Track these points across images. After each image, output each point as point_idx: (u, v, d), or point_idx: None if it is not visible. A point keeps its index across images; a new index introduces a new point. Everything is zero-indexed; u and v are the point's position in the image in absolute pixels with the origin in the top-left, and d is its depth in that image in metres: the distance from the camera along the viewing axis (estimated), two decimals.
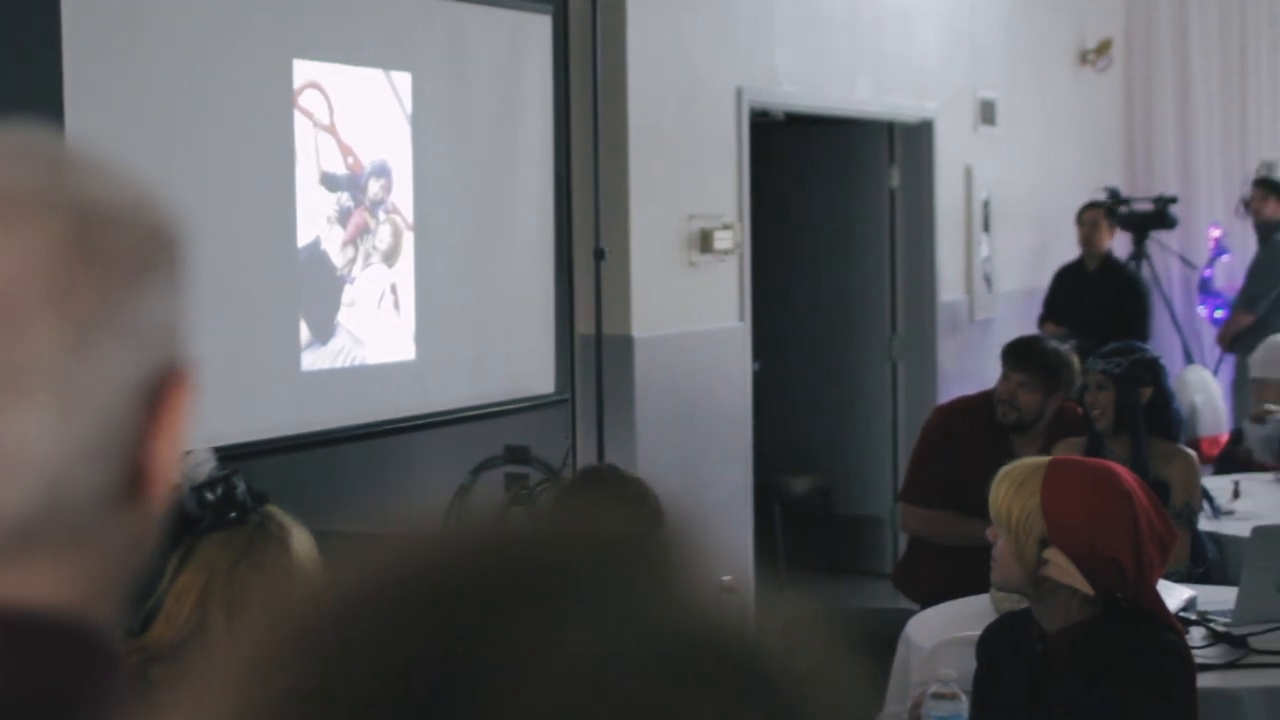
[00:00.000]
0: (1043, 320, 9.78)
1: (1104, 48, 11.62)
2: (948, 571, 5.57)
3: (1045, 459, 3.59)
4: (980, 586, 4.51)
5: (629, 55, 7.15)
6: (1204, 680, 3.93)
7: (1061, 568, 3.43)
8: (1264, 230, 10.68)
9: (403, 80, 6.08)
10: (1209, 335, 11.55)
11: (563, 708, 0.61)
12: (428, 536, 0.69)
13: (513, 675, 0.62)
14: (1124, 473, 3.56)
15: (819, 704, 0.67)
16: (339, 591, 0.67)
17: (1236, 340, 10.51)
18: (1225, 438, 9.08)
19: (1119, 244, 11.32)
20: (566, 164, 6.86)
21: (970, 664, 3.76)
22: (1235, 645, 4.24)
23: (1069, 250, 10.76)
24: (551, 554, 0.68)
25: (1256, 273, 10.64)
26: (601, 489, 3.62)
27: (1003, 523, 3.51)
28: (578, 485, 3.68)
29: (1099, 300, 9.50)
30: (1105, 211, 9.89)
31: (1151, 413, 5.59)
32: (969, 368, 9.30)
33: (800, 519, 9.64)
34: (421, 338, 6.24)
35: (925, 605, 5.16)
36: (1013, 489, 3.51)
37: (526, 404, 6.77)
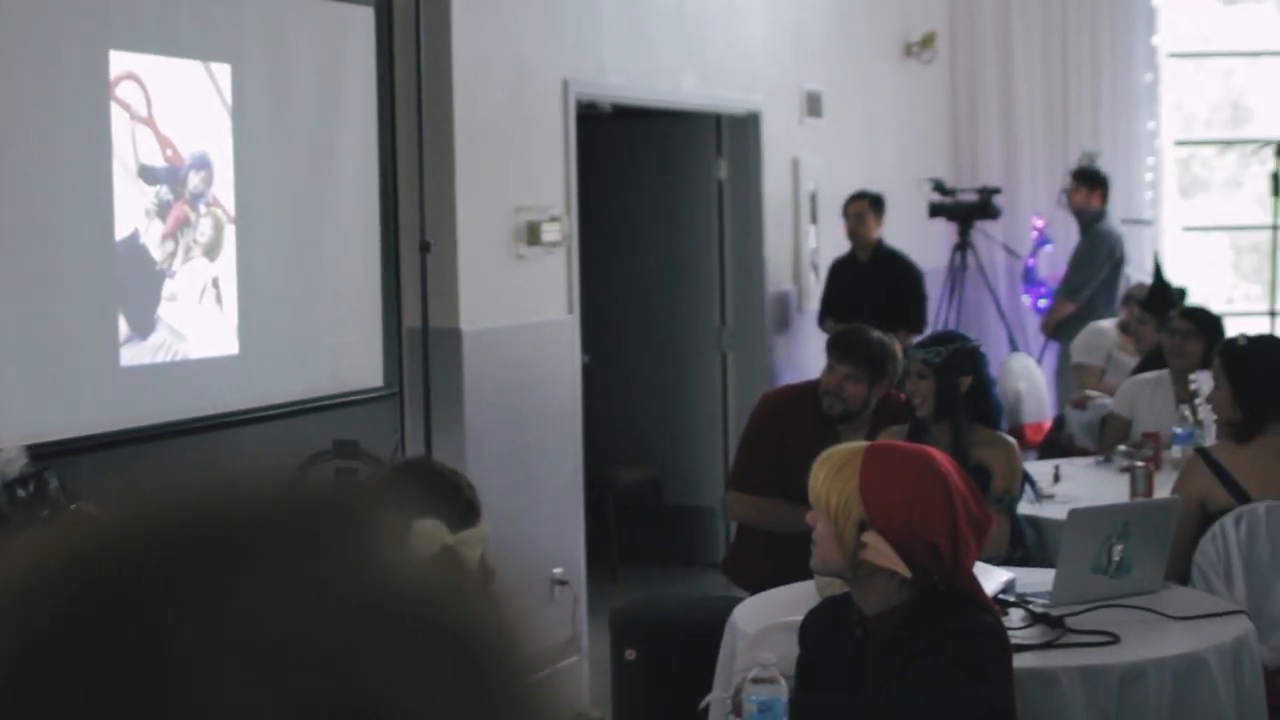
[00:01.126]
0: (823, 317, 9.66)
1: (928, 41, 11.76)
2: (776, 559, 5.59)
3: (864, 444, 3.63)
4: (809, 573, 4.54)
5: (454, 47, 7.11)
6: (1022, 660, 4.00)
7: (879, 551, 3.46)
8: (1085, 220, 10.87)
9: (222, 72, 6.00)
10: (1033, 323, 11.74)
11: (243, 670, 0.61)
12: (120, 508, 0.68)
13: (193, 640, 0.61)
14: (940, 457, 3.60)
15: (519, 673, 0.67)
16: (17, 572, 0.65)
17: (1060, 328, 10.69)
18: (1049, 424, 9.24)
19: (945, 234, 11.49)
20: (392, 156, 6.81)
21: (794, 649, 3.78)
22: (1053, 626, 4.31)
23: (894, 241, 10.87)
24: (242, 519, 0.67)
25: (1078, 262, 10.82)
26: (416, 481, 3.59)
27: (822, 507, 3.53)
28: (392, 479, 3.65)
29: (875, 291, 9.35)
30: (870, 202, 9.73)
31: (972, 400, 5.66)
32: (798, 358, 9.39)
33: (632, 510, 9.67)
34: (245, 331, 6.17)
35: (754, 592, 5.19)
36: (832, 474, 3.54)
37: (354, 398, 6.71)
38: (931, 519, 3.47)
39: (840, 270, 9.76)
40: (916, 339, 8.90)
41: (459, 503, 3.48)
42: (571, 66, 7.89)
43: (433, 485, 3.54)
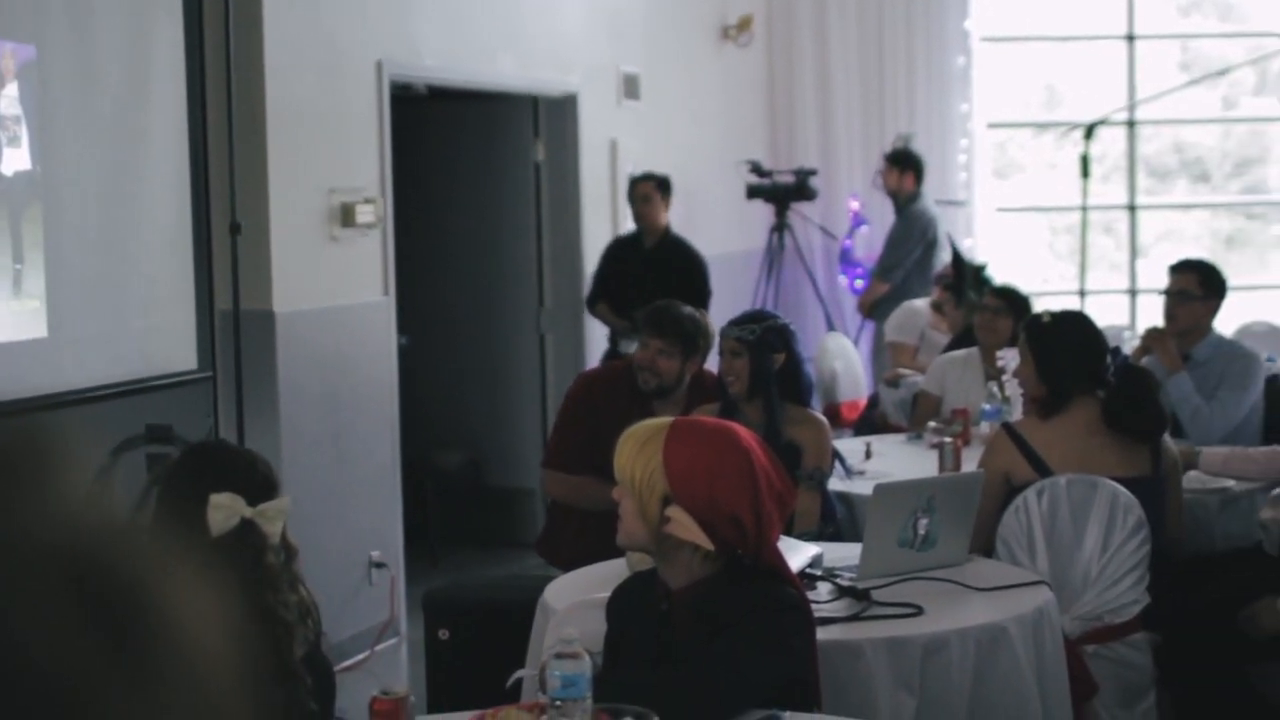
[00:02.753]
0: (594, 301, 9.41)
1: (745, 23, 11.84)
2: (591, 537, 5.61)
3: (668, 419, 3.65)
4: (623, 551, 4.57)
5: (265, 28, 7.05)
6: (828, 633, 4.06)
7: (683, 525, 3.49)
8: (899, 201, 11.01)
9: (26, 52, 5.90)
10: (850, 304, 11.88)
11: None
12: None
13: None
14: (743, 432, 3.64)
15: (164, 624, 0.67)
16: None
17: (875, 308, 10.83)
18: (864, 402, 9.36)
19: (763, 215, 11.58)
20: (202, 138, 6.72)
21: (604, 625, 3.81)
22: (859, 599, 4.37)
23: (712, 223, 10.97)
24: None
25: (893, 243, 10.97)
26: (211, 458, 3.57)
27: (627, 482, 3.55)
28: (183, 460, 3.61)
29: (660, 278, 9.08)
30: (657, 184, 9.46)
31: (784, 379, 5.72)
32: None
33: (451, 493, 9.66)
34: (54, 315, 6.06)
35: (569, 571, 5.21)
36: (636, 449, 3.56)
37: (167, 381, 6.63)
38: (734, 493, 3.50)
39: (622, 254, 9.45)
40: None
41: (255, 477, 3.46)
42: (385, 48, 7.85)
43: (228, 461, 3.52)
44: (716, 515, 3.49)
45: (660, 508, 3.51)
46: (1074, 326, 5.56)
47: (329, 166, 7.45)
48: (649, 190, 9.39)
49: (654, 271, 9.20)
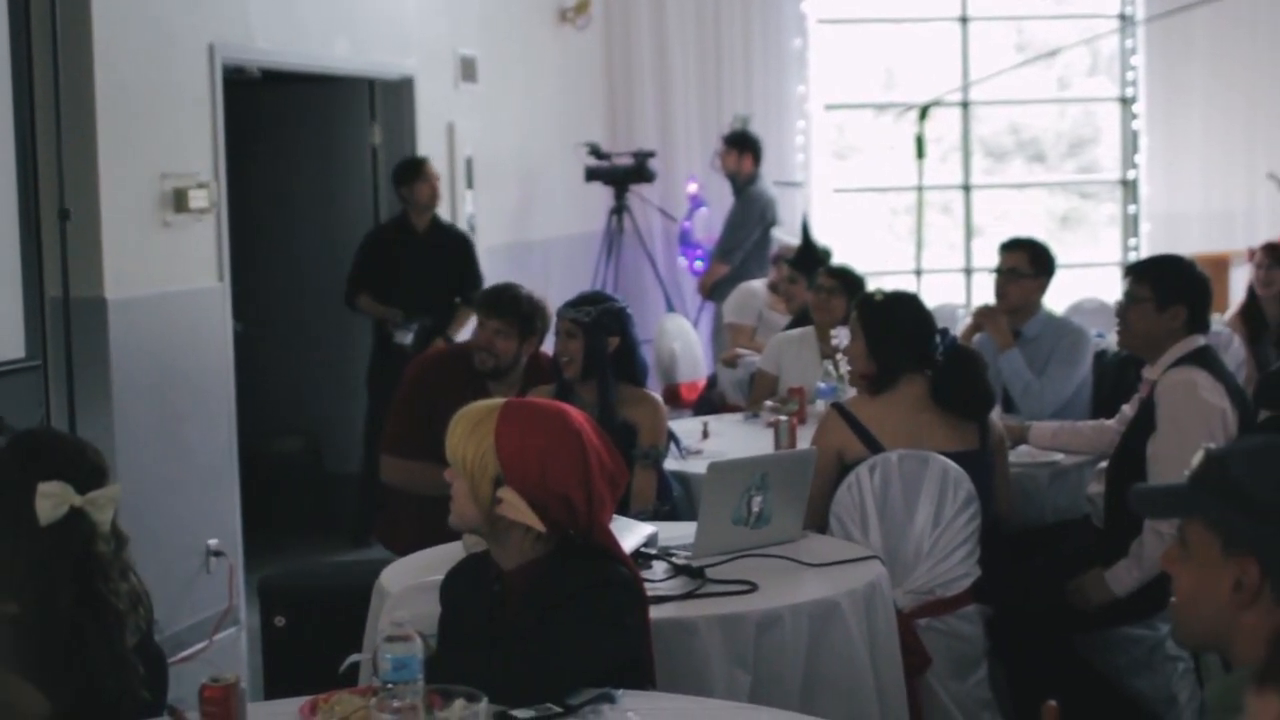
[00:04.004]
0: (354, 294, 9.11)
1: (583, 6, 11.85)
2: (429, 522, 5.58)
3: (500, 400, 3.65)
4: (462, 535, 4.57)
5: (93, 9, 6.94)
6: (662, 611, 4.09)
7: (514, 506, 3.49)
8: (738, 183, 11.08)
9: None
10: (689, 285, 11.95)
11: None
12: None
13: None
14: (575, 413, 3.64)
15: None
16: None
17: (715, 289, 10.89)
18: (703, 382, 9.41)
19: (601, 198, 11.60)
20: (30, 122, 6.60)
21: (438, 608, 3.81)
22: (693, 577, 4.40)
23: (550, 206, 10.98)
24: None
25: (732, 224, 11.04)
26: (38, 447, 3.53)
27: (459, 463, 3.55)
28: (10, 449, 3.57)
29: (435, 263, 9.05)
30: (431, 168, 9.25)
31: (619, 360, 5.75)
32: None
33: (290, 479, 9.59)
34: None
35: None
36: (468, 430, 3.56)
37: None
38: (565, 474, 3.51)
39: (389, 241, 9.16)
40: (469, 313, 8.98)
41: (84, 465, 3.44)
42: (217, 31, 7.76)
43: (56, 449, 3.49)
44: (548, 496, 3.50)
45: (492, 489, 3.51)
46: (904, 306, 5.64)
47: (161, 151, 7.35)
48: (428, 170, 9.15)
49: (430, 256, 9.07)
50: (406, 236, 9.10)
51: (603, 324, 5.73)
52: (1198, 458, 2.62)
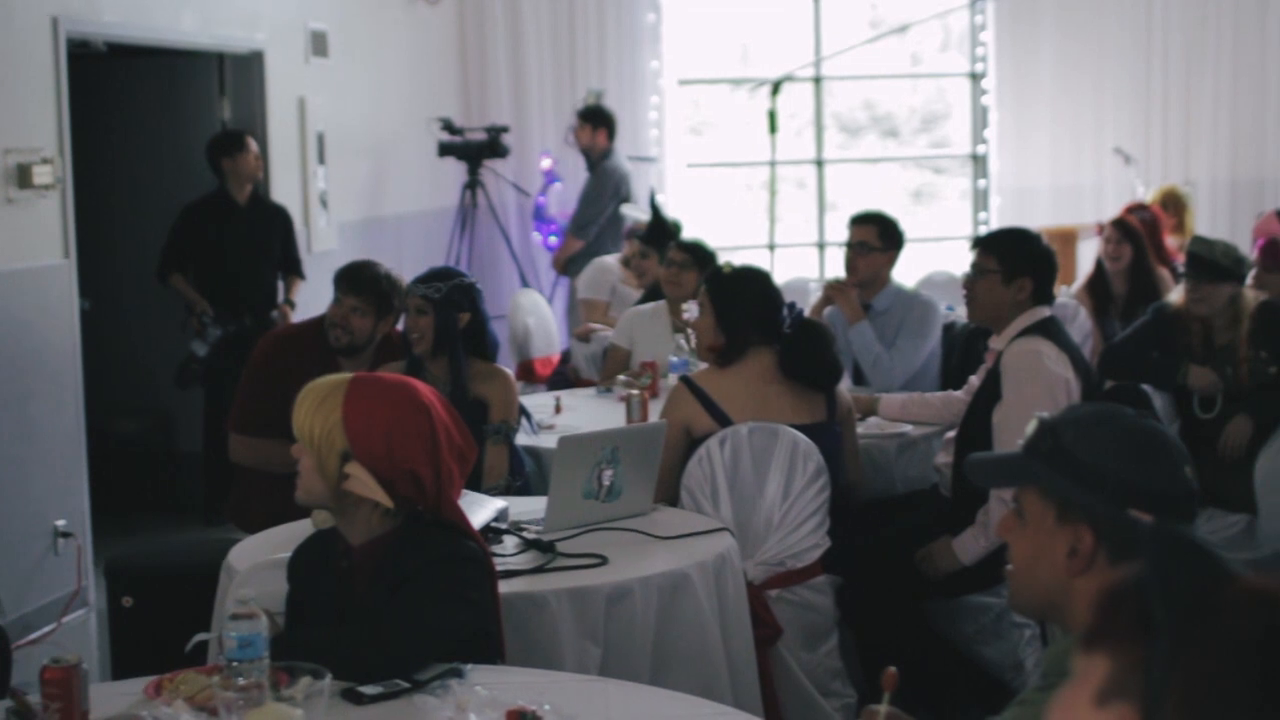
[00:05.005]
0: (167, 271, 8.90)
1: None
2: (281, 500, 5.55)
3: (347, 375, 3.63)
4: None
5: None
6: (512, 585, 4.09)
7: (362, 481, 3.48)
8: (592, 158, 11.08)
9: None
10: (544, 260, 11.94)
11: None
12: None
13: None
14: (423, 388, 3.64)
15: None
16: None
17: (570, 264, 10.89)
18: (557, 357, 9.41)
19: (455, 173, 11.55)
20: None
21: (286, 585, 3.79)
22: (544, 551, 4.41)
23: (404, 181, 10.92)
24: None
25: (586, 199, 11.03)
26: None
27: (306, 439, 3.53)
28: None
29: (261, 239, 8.97)
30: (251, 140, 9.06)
31: (469, 336, 5.74)
32: (308, 299, 9.27)
33: (140, 459, 9.48)
34: None
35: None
36: (315, 406, 3.54)
37: None
38: (413, 449, 3.50)
39: (208, 215, 8.93)
40: (299, 281, 8.95)
41: None
42: (61, 3, 7.64)
43: None
44: (395, 471, 3.49)
45: (339, 464, 3.50)
46: (753, 280, 5.67)
47: (3, 126, 7.22)
48: (250, 142, 9.01)
49: (252, 230, 8.98)
50: (227, 211, 8.96)
51: (453, 300, 5.71)
52: (1031, 427, 2.67)
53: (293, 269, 9.12)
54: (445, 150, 11.34)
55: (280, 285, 9.16)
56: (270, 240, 9.00)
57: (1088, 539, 2.54)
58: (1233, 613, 1.55)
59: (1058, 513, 2.57)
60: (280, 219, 9.17)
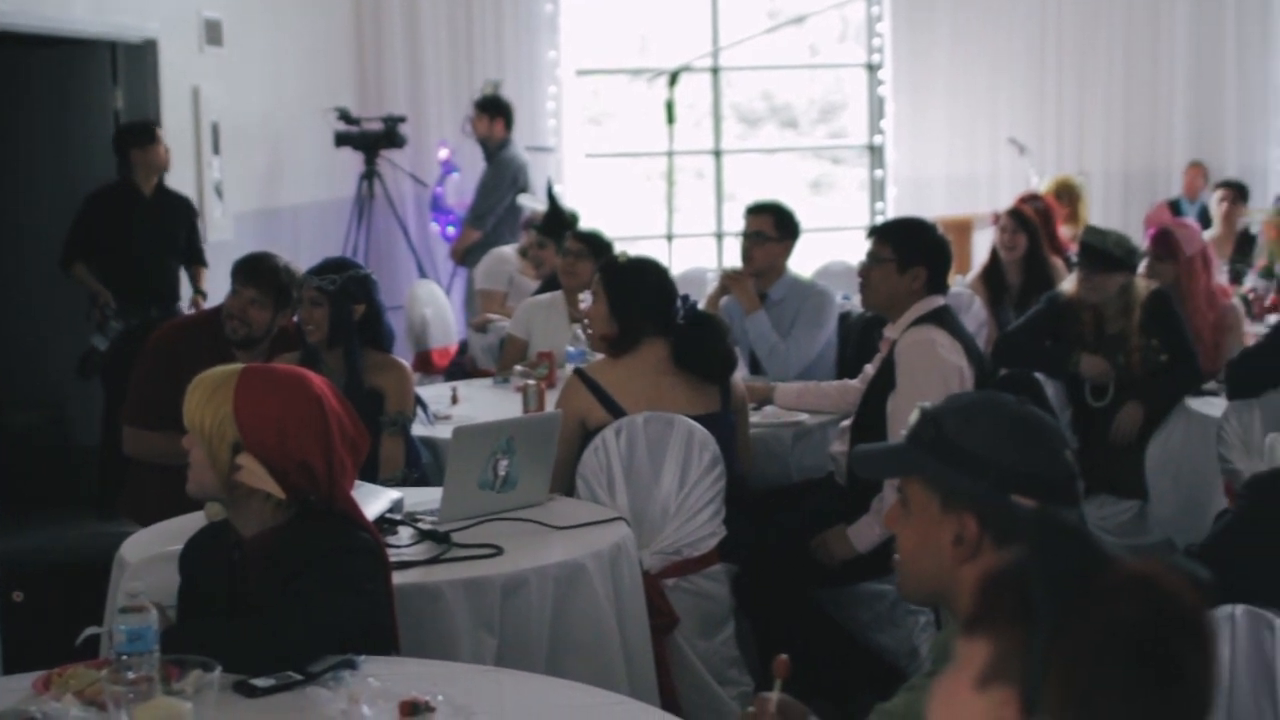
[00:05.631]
0: (71, 260, 8.73)
1: None
2: (176, 492, 5.49)
3: (238, 366, 3.61)
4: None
5: None
6: (407, 576, 4.08)
7: (254, 473, 3.46)
8: (489, 148, 11.06)
9: None
10: (442, 251, 11.89)
11: None
12: None
13: None
14: (315, 379, 3.62)
15: None
16: None
17: (468, 255, 10.86)
18: (455, 348, 9.39)
19: (352, 163, 11.49)
20: None
21: (177, 578, 3.76)
22: (439, 541, 4.39)
23: (300, 172, 10.85)
24: None
25: (484, 189, 11.01)
26: None
27: (197, 431, 3.51)
28: None
29: (167, 230, 8.87)
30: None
31: (365, 326, 5.71)
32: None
33: (35, 452, 9.37)
34: None
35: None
36: (206, 396, 3.52)
37: None
38: (305, 440, 3.49)
39: (113, 205, 8.78)
40: (205, 270, 8.89)
41: None
42: None
43: None
44: (287, 462, 3.47)
45: (230, 456, 3.48)
46: (647, 271, 5.68)
47: None
48: (159, 133, 8.93)
49: (158, 221, 8.89)
50: (133, 201, 8.85)
51: (348, 291, 5.69)
52: (914, 417, 2.69)
53: (196, 259, 9.03)
54: (342, 140, 11.27)
55: (185, 277, 9.06)
56: (176, 231, 8.92)
57: (972, 526, 2.56)
58: (1110, 596, 1.57)
59: (942, 501, 2.59)
60: (185, 210, 9.07)
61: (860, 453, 2.86)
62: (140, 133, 8.87)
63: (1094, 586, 1.57)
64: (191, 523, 4.48)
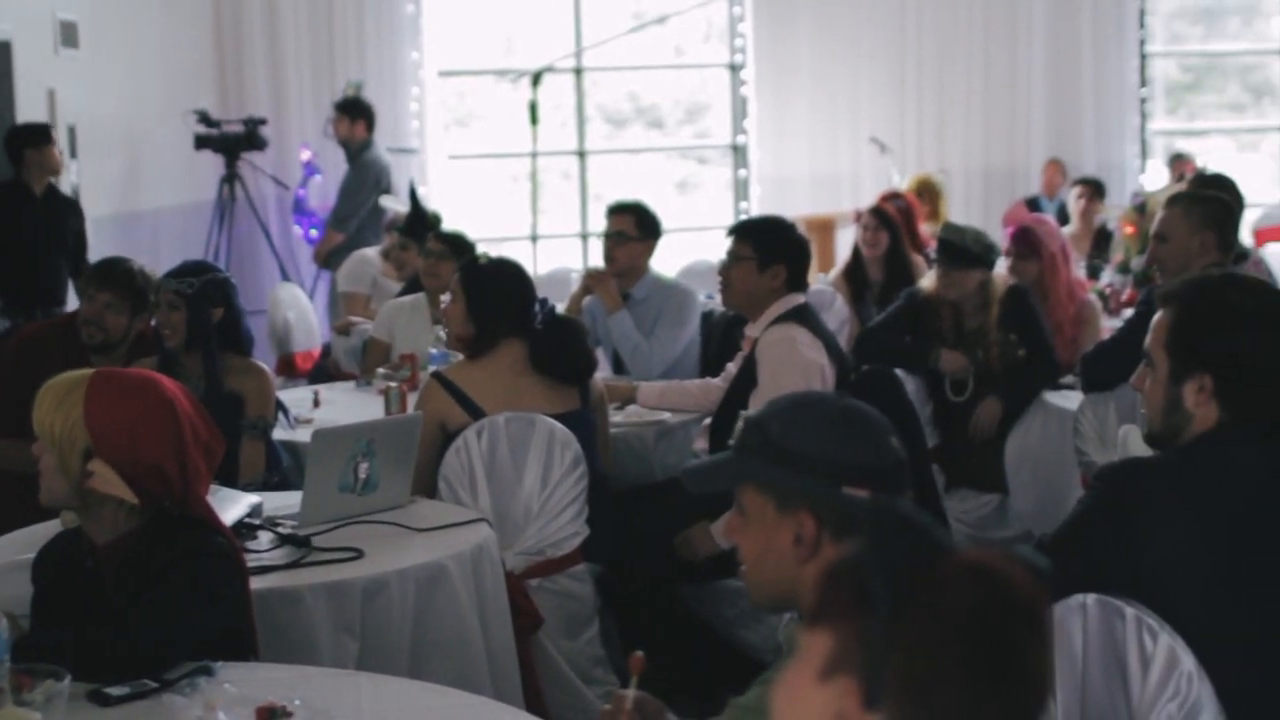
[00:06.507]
0: None
1: None
2: (31, 501, 5.42)
3: (88, 371, 3.56)
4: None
5: None
6: (266, 581, 4.05)
7: (106, 479, 3.42)
8: (351, 150, 11.00)
9: None
10: (305, 254, 11.81)
11: None
12: None
13: None
14: (167, 383, 3.58)
15: None
16: None
17: (331, 257, 10.79)
18: (318, 351, 9.32)
19: (212, 166, 11.38)
20: None
21: (29, 587, 3.71)
22: (299, 545, 4.36)
23: (159, 175, 10.74)
24: None
25: (346, 192, 10.96)
26: None
27: (47, 437, 3.46)
28: None
29: (50, 229, 8.77)
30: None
31: (223, 330, 5.66)
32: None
33: None
34: None
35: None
36: (55, 402, 3.47)
37: None
38: (158, 445, 3.45)
39: (1, 203, 8.80)
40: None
41: None
42: None
43: None
44: (140, 468, 3.43)
45: (81, 462, 3.43)
46: (506, 272, 5.66)
47: None
48: (51, 133, 8.88)
49: (49, 223, 8.80)
50: (24, 200, 8.78)
51: (206, 294, 5.63)
52: (739, 426, 2.71)
53: (83, 262, 8.91)
54: (202, 143, 11.17)
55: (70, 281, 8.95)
56: (65, 234, 8.86)
57: (810, 524, 2.58)
58: (947, 584, 1.59)
59: (777, 504, 2.61)
60: (75, 212, 9.02)
61: (690, 469, 2.88)
62: (35, 133, 8.84)
63: (930, 575, 1.59)
64: (46, 531, 4.43)
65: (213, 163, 11.46)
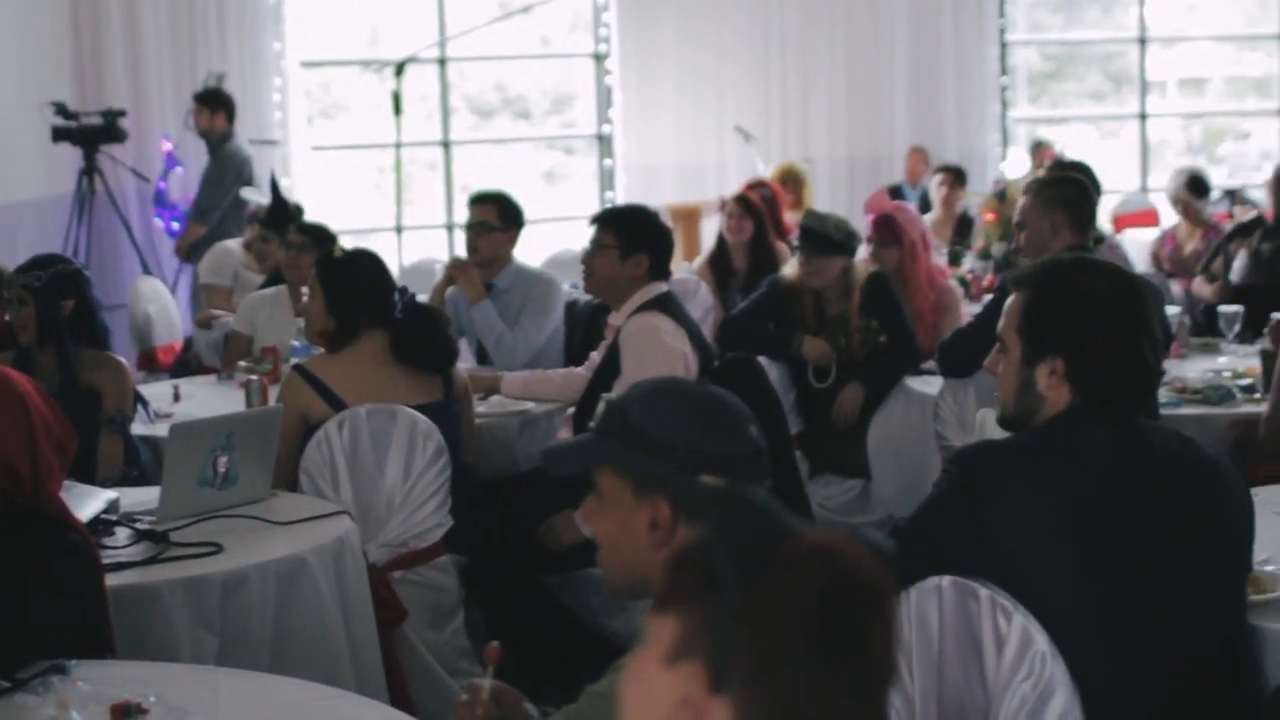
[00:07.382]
0: None
1: None
2: None
3: None
4: None
5: None
6: (123, 577, 4.00)
7: None
8: (212, 142, 10.89)
9: None
10: (167, 247, 11.67)
11: None
12: None
13: None
14: (18, 378, 3.53)
15: None
16: None
17: (193, 250, 10.67)
18: (180, 345, 9.22)
19: (70, 159, 11.22)
20: None
21: None
22: (157, 541, 4.31)
23: (14, 168, 10.57)
24: None
25: (207, 184, 10.84)
26: None
27: None
28: None
29: None
30: None
31: (77, 324, 5.59)
32: None
33: None
34: None
35: None
36: None
37: None
38: (8, 441, 3.40)
39: None
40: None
41: None
42: None
43: None
44: None
45: None
46: (363, 263, 5.64)
47: None
48: None
49: None
50: None
51: (55, 287, 5.56)
52: (600, 408, 2.71)
53: None
54: (59, 135, 10.98)
55: None
56: None
57: (665, 510, 2.58)
58: (791, 567, 1.59)
59: (634, 488, 2.62)
60: None
61: (550, 450, 2.88)
62: None
63: (775, 558, 1.60)
64: None
65: (71, 156, 11.28)
